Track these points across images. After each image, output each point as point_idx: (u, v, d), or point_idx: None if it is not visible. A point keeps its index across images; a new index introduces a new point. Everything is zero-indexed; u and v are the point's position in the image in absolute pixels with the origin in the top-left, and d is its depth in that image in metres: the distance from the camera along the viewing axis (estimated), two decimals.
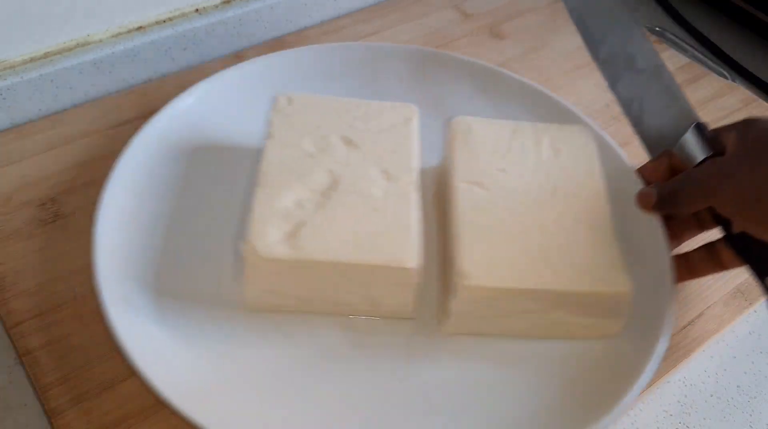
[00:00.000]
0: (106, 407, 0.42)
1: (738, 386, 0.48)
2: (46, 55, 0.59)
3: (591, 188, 0.49)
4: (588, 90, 0.66)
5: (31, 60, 0.59)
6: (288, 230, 0.43)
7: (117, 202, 0.50)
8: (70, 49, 0.60)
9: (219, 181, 0.54)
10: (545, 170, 0.49)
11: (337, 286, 0.44)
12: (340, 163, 0.48)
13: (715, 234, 0.48)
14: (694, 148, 0.47)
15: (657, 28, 0.75)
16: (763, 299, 0.51)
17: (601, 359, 0.45)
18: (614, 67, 0.53)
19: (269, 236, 0.43)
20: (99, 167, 0.55)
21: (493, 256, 0.44)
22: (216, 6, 0.66)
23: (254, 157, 0.51)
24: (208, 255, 0.49)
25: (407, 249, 0.43)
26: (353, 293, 0.45)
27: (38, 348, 0.44)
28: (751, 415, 0.46)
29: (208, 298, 0.47)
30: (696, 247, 0.49)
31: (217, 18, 0.65)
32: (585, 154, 0.51)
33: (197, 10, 0.65)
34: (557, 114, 0.58)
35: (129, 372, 0.42)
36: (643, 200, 0.49)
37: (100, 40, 0.61)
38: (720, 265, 0.47)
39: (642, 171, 0.52)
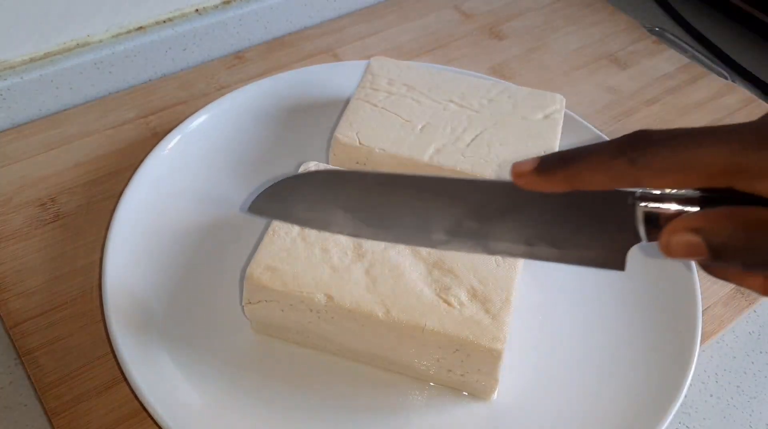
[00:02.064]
0: (106, 407, 0.42)
1: (738, 386, 0.48)
2: (46, 56, 0.59)
3: None
4: (588, 90, 0.66)
5: (32, 60, 0.59)
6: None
7: (135, 204, 0.50)
8: (70, 50, 0.60)
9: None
10: None
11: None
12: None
13: None
14: None
15: (657, 28, 0.75)
16: (762, 299, 0.51)
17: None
18: None
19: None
20: (99, 167, 0.55)
21: None
22: (216, 6, 0.66)
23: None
24: (224, 272, 0.48)
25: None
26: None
27: (38, 348, 0.44)
28: (750, 415, 0.46)
29: (217, 318, 0.46)
30: None
31: (217, 18, 0.65)
32: None
33: (197, 10, 0.65)
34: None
35: None
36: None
37: (101, 41, 0.61)
38: None
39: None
